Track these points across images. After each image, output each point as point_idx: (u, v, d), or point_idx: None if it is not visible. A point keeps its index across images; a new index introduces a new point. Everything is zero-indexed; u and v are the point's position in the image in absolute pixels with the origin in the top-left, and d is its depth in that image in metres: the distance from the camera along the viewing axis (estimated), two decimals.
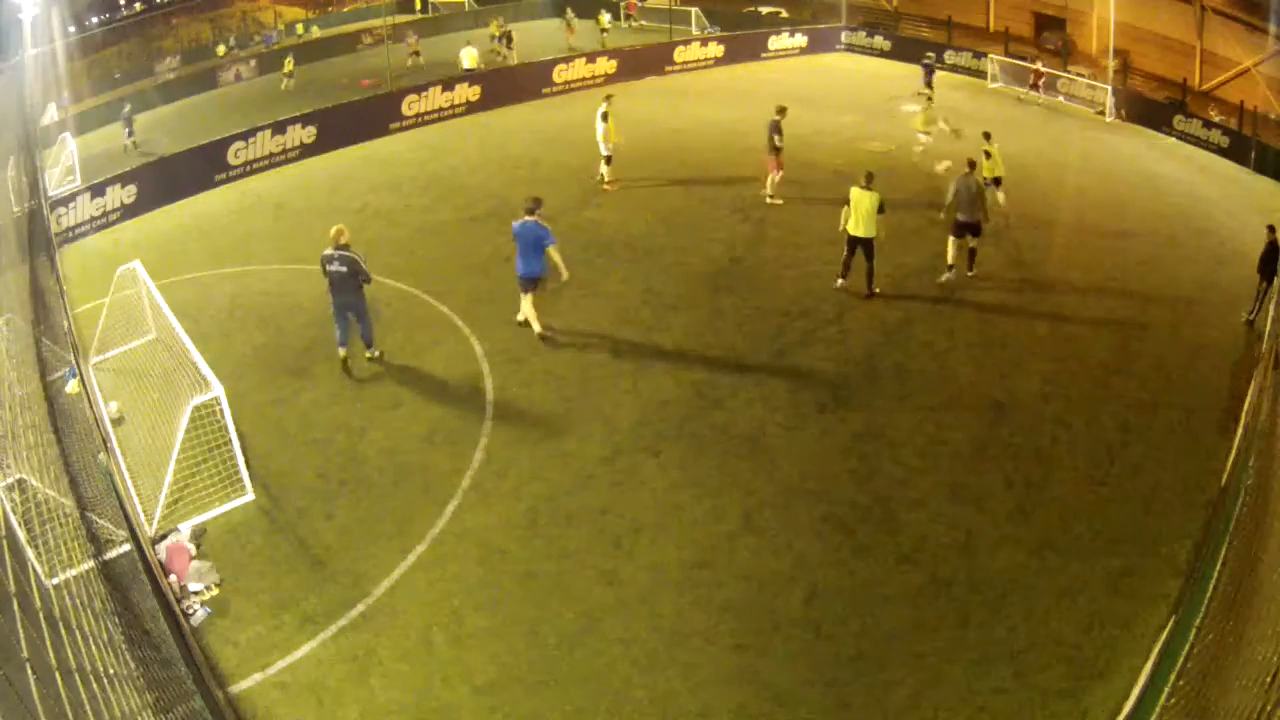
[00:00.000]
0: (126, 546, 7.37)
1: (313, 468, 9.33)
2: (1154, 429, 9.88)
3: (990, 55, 28.16)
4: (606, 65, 27.13)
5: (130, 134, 24.26)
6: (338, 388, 10.81)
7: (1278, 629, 4.43)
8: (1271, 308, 11.33)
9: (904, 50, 30.37)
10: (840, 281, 12.82)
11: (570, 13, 34.10)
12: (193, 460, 8.88)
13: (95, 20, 41.36)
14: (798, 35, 31.85)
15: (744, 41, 31.15)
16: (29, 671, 3.24)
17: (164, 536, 8.08)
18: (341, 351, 11.15)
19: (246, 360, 11.48)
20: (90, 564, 6.52)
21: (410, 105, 22.64)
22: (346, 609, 7.46)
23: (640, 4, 39.27)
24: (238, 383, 10.29)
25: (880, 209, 12.11)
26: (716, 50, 29.99)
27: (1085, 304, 12.88)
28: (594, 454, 9.48)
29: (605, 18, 34.62)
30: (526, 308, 11.79)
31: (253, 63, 34.69)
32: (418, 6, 46.46)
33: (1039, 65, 26.42)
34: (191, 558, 7.89)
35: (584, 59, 26.99)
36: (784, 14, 37.71)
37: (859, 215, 12.21)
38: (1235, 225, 16.24)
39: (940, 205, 13.68)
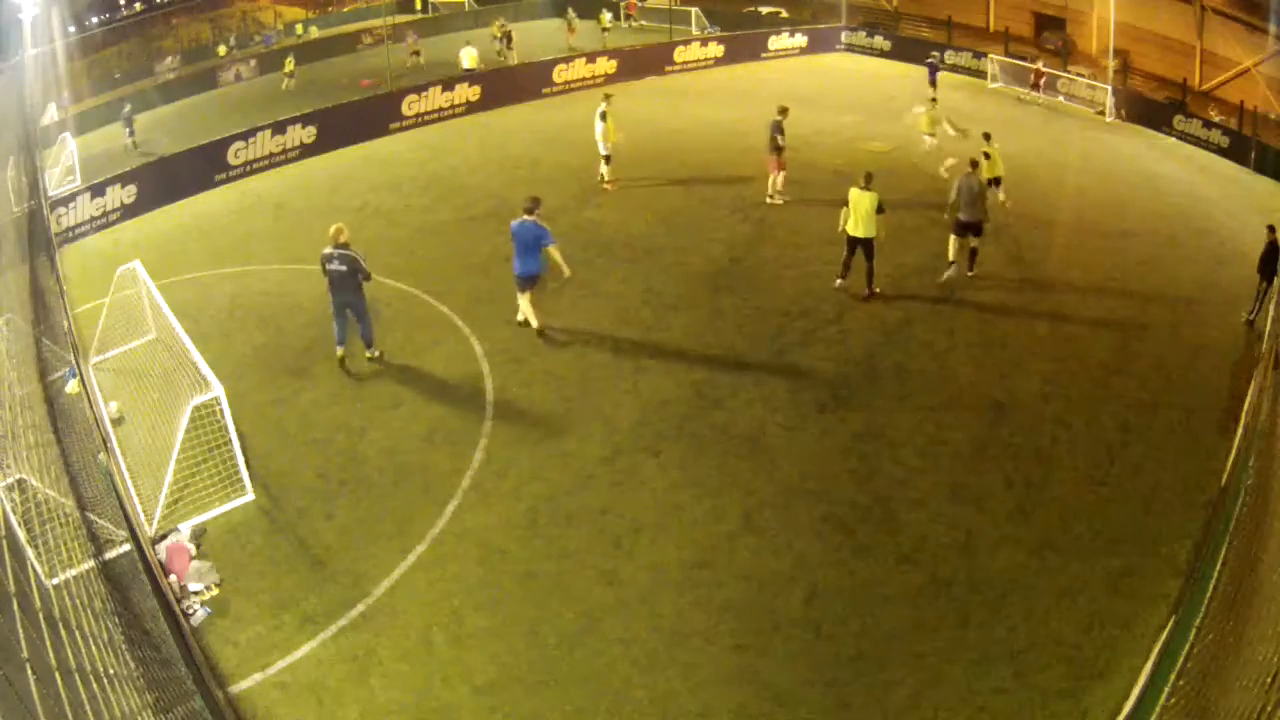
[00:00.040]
0: (126, 546, 7.37)
1: (313, 468, 9.33)
2: (1154, 429, 9.88)
3: (990, 55, 28.16)
4: (606, 65, 27.13)
5: (131, 134, 24.28)
6: (338, 388, 10.81)
7: (1278, 629, 4.43)
8: (1271, 308, 11.33)
9: (904, 50, 30.37)
10: (839, 282, 12.82)
11: (571, 12, 34.10)
12: (193, 460, 8.88)
13: (95, 20, 41.37)
14: (798, 35, 31.85)
15: (744, 41, 31.15)
16: (29, 671, 3.24)
17: (164, 536, 8.08)
18: (339, 350, 11.16)
19: (246, 360, 11.48)
20: (90, 564, 6.51)
21: (410, 105, 22.64)
22: (346, 609, 7.47)
23: (640, 4, 39.27)
24: (238, 383, 10.29)
25: (879, 209, 12.11)
26: (716, 50, 29.99)
27: (1085, 304, 12.88)
28: (594, 454, 9.48)
29: (606, 17, 34.60)
30: (525, 306, 11.80)
31: (253, 63, 34.70)
32: (418, 6, 46.48)
33: (1039, 65, 26.42)
34: (191, 558, 7.89)
35: (584, 59, 26.99)
36: (784, 14, 37.72)
37: (858, 215, 12.21)
38: (1235, 225, 16.24)
39: (942, 205, 13.70)
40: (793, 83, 26.75)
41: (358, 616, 7.40)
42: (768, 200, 16.46)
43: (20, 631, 3.46)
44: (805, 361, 11.26)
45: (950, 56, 28.76)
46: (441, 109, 23.23)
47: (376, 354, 11.28)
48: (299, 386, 10.84)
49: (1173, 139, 22.49)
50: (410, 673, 6.86)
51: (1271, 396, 8.18)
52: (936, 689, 6.64)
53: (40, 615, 3.86)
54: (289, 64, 32.03)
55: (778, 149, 16.11)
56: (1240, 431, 9.20)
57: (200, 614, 7.39)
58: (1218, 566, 6.22)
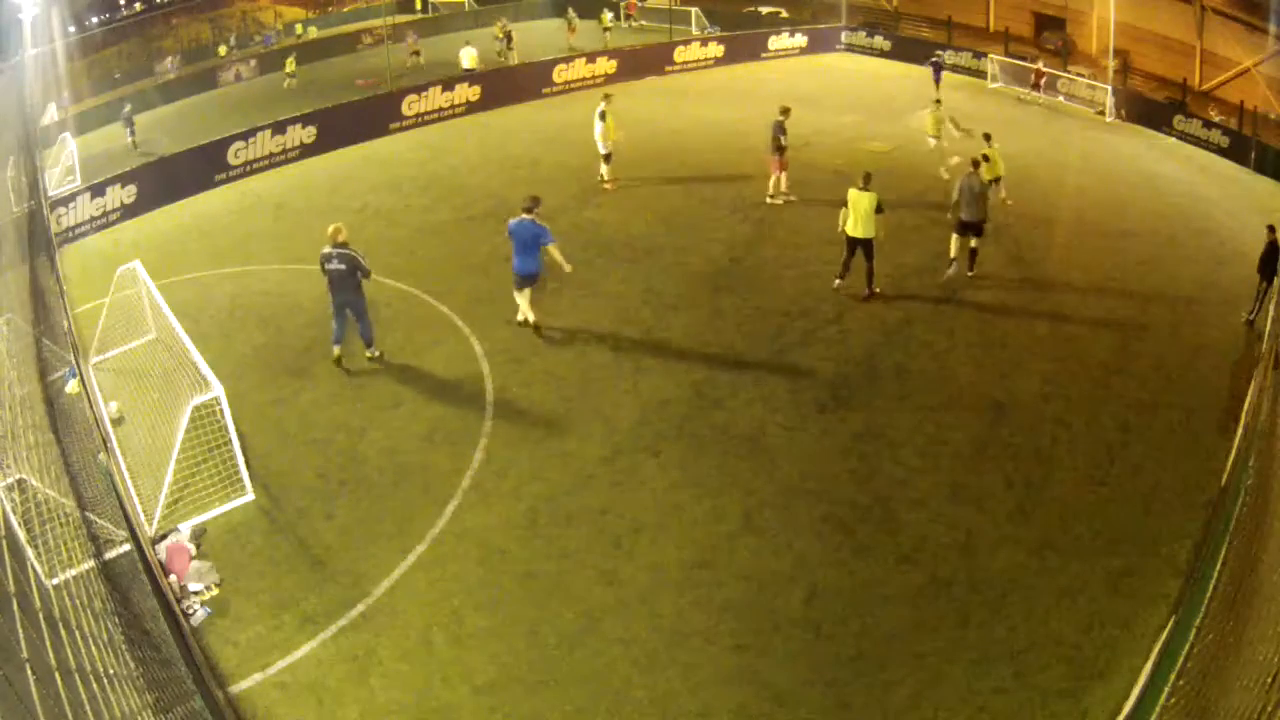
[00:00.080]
0: (126, 546, 7.37)
1: (313, 468, 9.33)
2: (1154, 429, 9.88)
3: (990, 55, 28.16)
4: (606, 65, 27.13)
5: (131, 134, 24.28)
6: (338, 388, 10.81)
7: (1278, 629, 4.43)
8: (1271, 308, 11.33)
9: (904, 50, 30.38)
10: (838, 282, 12.81)
11: (572, 12, 34.08)
12: (193, 460, 8.88)
13: (95, 20, 41.37)
14: (798, 35, 31.85)
15: (744, 41, 31.15)
16: (29, 671, 3.24)
17: (164, 536, 8.08)
18: (336, 350, 11.18)
19: (246, 360, 11.49)
20: (90, 564, 6.52)
21: (410, 105, 22.64)
22: (346, 609, 7.47)
23: (640, 4, 39.27)
24: (238, 383, 10.29)
25: (878, 209, 12.11)
26: (716, 50, 30.00)
27: (1085, 304, 12.88)
28: (594, 454, 9.48)
29: (608, 17, 34.58)
30: (523, 303, 11.82)
31: (253, 63, 34.72)
32: (418, 6, 46.49)
33: (1040, 65, 26.42)
34: (191, 558, 7.89)
35: (584, 59, 27.00)
36: (784, 14, 37.72)
37: (857, 216, 12.22)
38: (1235, 225, 16.24)
39: (942, 205, 13.71)
40: (793, 83, 26.74)
41: (358, 616, 7.40)
42: (768, 200, 16.46)
43: (20, 631, 3.46)
44: (805, 361, 11.26)
45: (950, 56, 28.76)
46: (441, 109, 23.23)
47: (376, 354, 11.29)
48: (299, 386, 10.84)
49: (1173, 139, 22.49)
50: (410, 673, 6.86)
51: (1271, 396, 8.18)
52: (936, 689, 6.64)
53: (40, 615, 3.85)
54: (290, 64, 32.05)
55: (780, 149, 16.10)
56: (1240, 431, 9.20)
57: (200, 614, 7.39)
58: (1218, 566, 6.22)
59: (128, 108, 25.18)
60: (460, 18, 41.89)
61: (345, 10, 48.55)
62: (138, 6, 44.79)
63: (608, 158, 17.47)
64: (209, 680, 6.13)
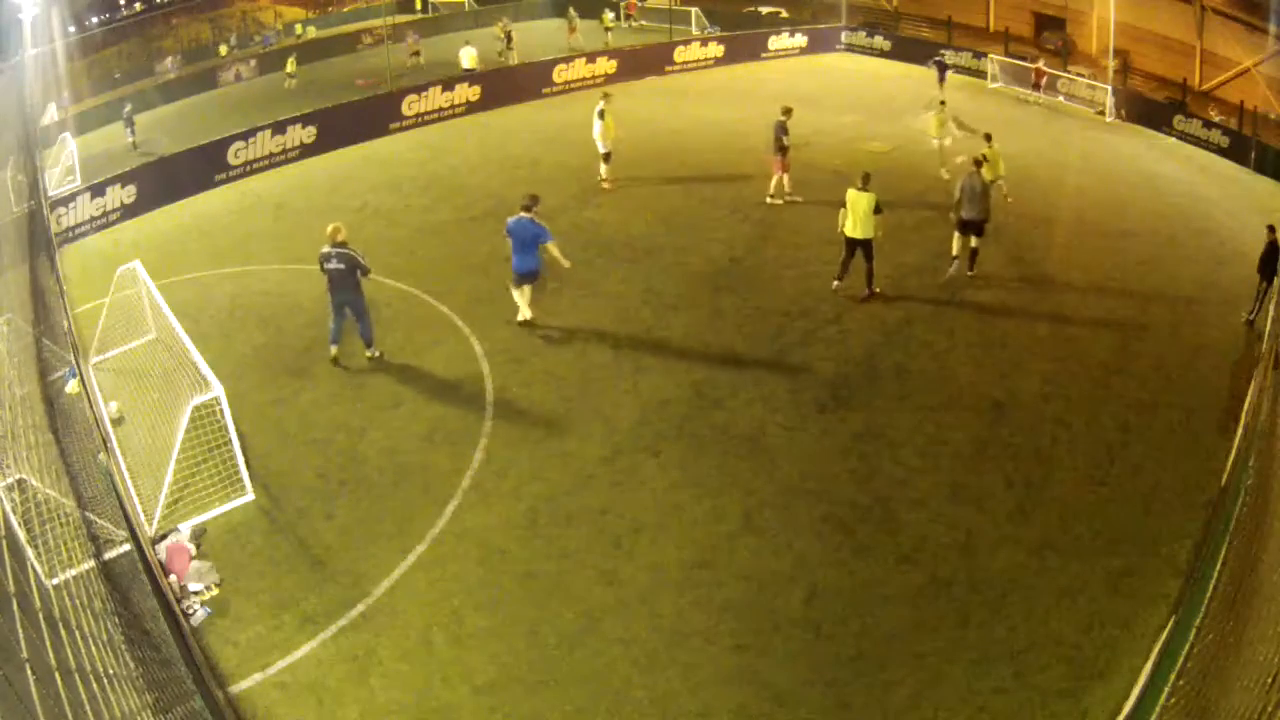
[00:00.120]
0: (126, 546, 7.37)
1: (313, 468, 9.33)
2: (1154, 429, 9.88)
3: (990, 55, 28.16)
4: (606, 65, 27.13)
5: (132, 134, 24.28)
6: (338, 388, 10.81)
7: (1278, 629, 4.43)
8: (1271, 308, 11.33)
9: (904, 50, 30.38)
10: (836, 284, 12.78)
11: (572, 12, 34.06)
12: (193, 460, 8.88)
13: (95, 20, 41.37)
14: (798, 35, 31.84)
15: (744, 41, 31.15)
16: (29, 671, 3.24)
17: (164, 536, 8.08)
18: (333, 350, 11.21)
19: (246, 360, 11.49)
20: (90, 564, 6.52)
21: (410, 105, 22.64)
22: (346, 609, 7.46)
23: (640, 4, 39.27)
24: (238, 383, 10.29)
25: (877, 210, 12.11)
26: (716, 50, 29.99)
27: (1085, 304, 12.88)
28: (594, 454, 9.48)
29: (609, 17, 34.57)
30: (521, 302, 11.84)
31: (253, 63, 34.71)
32: (418, 6, 46.48)
33: (1040, 65, 26.42)
34: (191, 558, 7.89)
35: (584, 59, 26.99)
36: (784, 14, 37.70)
37: (856, 217, 12.21)
38: (1235, 225, 16.24)
39: (942, 205, 13.71)
40: (793, 83, 26.74)
41: (358, 616, 7.40)
42: (768, 200, 16.46)
43: (20, 631, 3.46)
44: (805, 361, 11.26)
45: (950, 56, 28.73)
46: (441, 109, 23.22)
47: (376, 353, 11.29)
48: (299, 386, 10.84)
49: (1173, 139, 22.48)
50: (410, 673, 6.86)
51: (1271, 396, 8.18)
52: (936, 689, 6.64)
53: (40, 615, 3.85)
54: (291, 63, 32.06)
55: (782, 149, 16.08)
56: (1240, 431, 9.20)
57: (200, 614, 7.39)
58: (1218, 566, 6.22)
59: (128, 107, 25.18)
60: (460, 18, 41.87)
61: (345, 10, 48.55)
62: (138, 6, 44.79)
63: (607, 157, 17.48)
64: (209, 680, 6.13)
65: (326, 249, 10.65)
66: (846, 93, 25.91)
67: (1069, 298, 13.03)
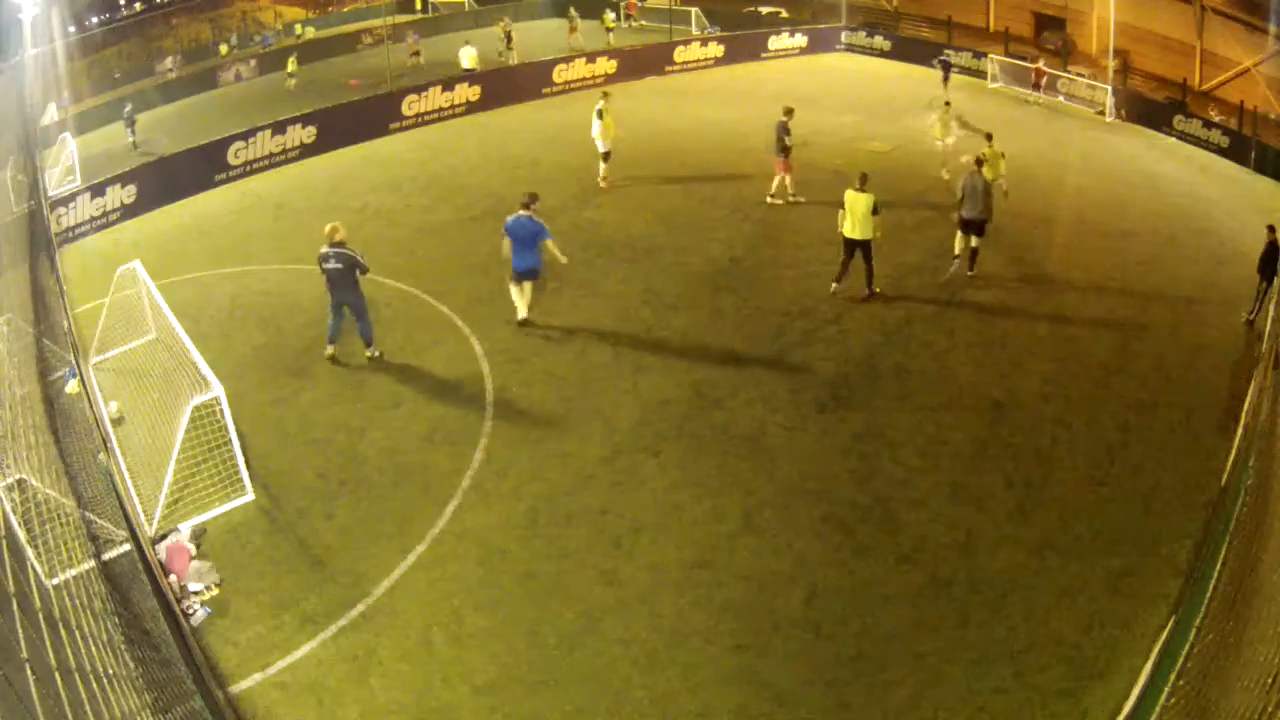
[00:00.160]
0: (126, 546, 7.37)
1: (313, 468, 9.33)
2: (1154, 429, 9.88)
3: (990, 55, 28.16)
4: (606, 65, 27.13)
5: (132, 134, 24.29)
6: (338, 388, 10.81)
7: (1278, 629, 4.43)
8: (1271, 308, 11.33)
9: (904, 50, 30.39)
10: (835, 286, 12.76)
11: (573, 12, 34.04)
12: (193, 460, 8.88)
13: (95, 20, 41.38)
14: (798, 35, 31.85)
15: (744, 41, 31.15)
16: (29, 671, 3.24)
17: (164, 536, 8.08)
18: (329, 349, 11.24)
19: (246, 360, 11.49)
20: (90, 564, 6.52)
21: (410, 105, 22.64)
22: (346, 609, 7.46)
23: (640, 4, 39.27)
24: (238, 383, 10.29)
25: (875, 210, 12.10)
26: (716, 50, 29.99)
27: (1085, 304, 12.88)
28: (594, 454, 9.48)
29: (610, 17, 34.56)
30: (519, 301, 11.85)
31: (253, 63, 34.72)
32: (418, 6, 46.49)
33: (1040, 65, 26.42)
34: (191, 558, 7.89)
35: (584, 59, 27.00)
36: (784, 14, 37.71)
37: (854, 217, 12.22)
38: (1235, 225, 16.24)
39: (942, 205, 13.71)
40: (793, 83, 26.75)
41: (358, 616, 7.40)
42: (768, 200, 16.45)
43: (20, 631, 3.46)
44: (805, 361, 11.26)
45: (950, 56, 28.75)
46: (441, 109, 23.22)
47: (376, 353, 11.30)
48: (299, 386, 10.84)
49: (1173, 139, 22.49)
50: (410, 673, 6.86)
51: (1271, 396, 8.18)
52: (936, 689, 6.64)
53: (40, 615, 3.85)
54: (292, 63, 32.07)
55: (784, 150, 16.07)
56: (1240, 431, 9.20)
57: (200, 614, 7.39)
58: (1218, 566, 6.22)
59: (129, 107, 25.18)
60: (460, 18, 41.88)
61: (345, 10, 48.56)
62: (138, 6, 44.81)
63: (606, 156, 17.49)
64: (209, 680, 6.13)
65: (325, 249, 10.67)
66: (846, 93, 25.92)
67: (1069, 298, 13.03)
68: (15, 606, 3.63)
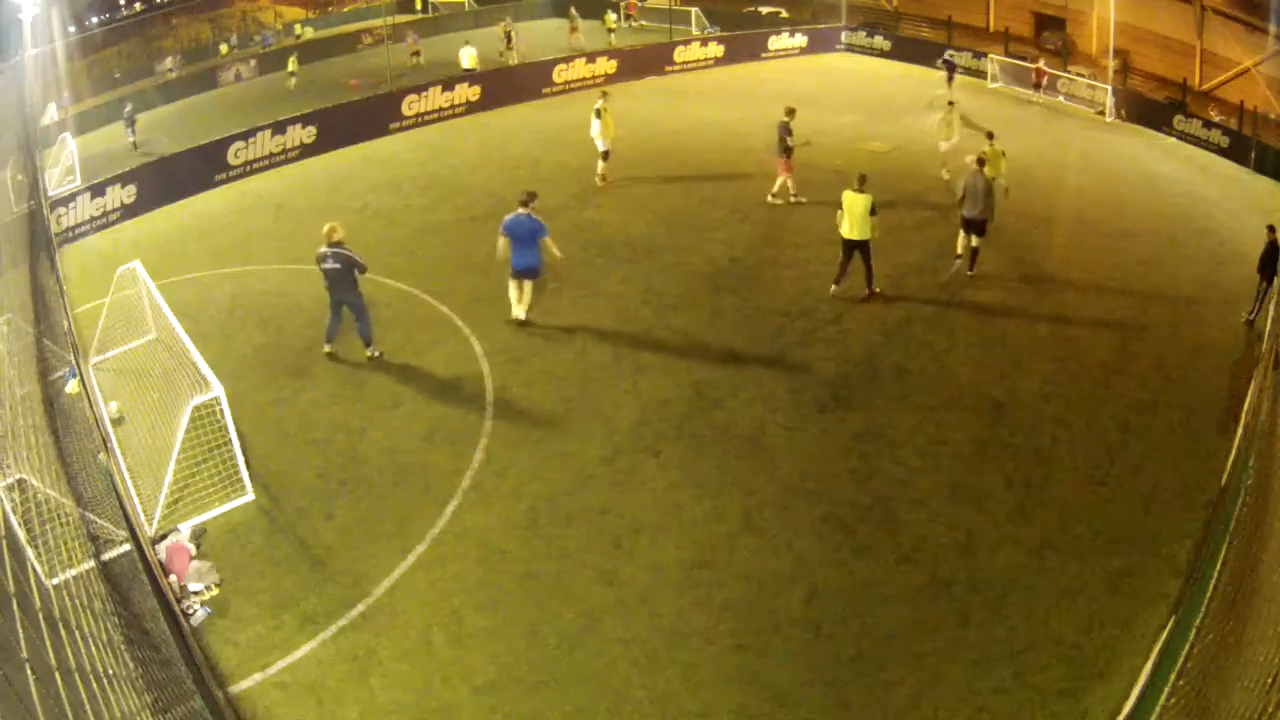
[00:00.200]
0: (126, 546, 7.37)
1: (313, 468, 9.33)
2: (1154, 429, 9.88)
3: (990, 55, 28.16)
4: (606, 65, 27.13)
5: (133, 134, 24.29)
6: (338, 388, 10.81)
7: (1278, 629, 4.43)
8: (1271, 308, 11.33)
9: (904, 50, 30.39)
10: (835, 288, 12.76)
11: (574, 12, 34.04)
12: (193, 460, 8.88)
13: (95, 20, 41.39)
14: (798, 35, 31.85)
15: (744, 41, 31.15)
16: (29, 671, 3.24)
17: (164, 536, 8.08)
18: (327, 347, 11.31)
19: (246, 360, 11.49)
20: (90, 564, 6.52)
21: (410, 105, 22.64)
22: (346, 609, 7.46)
23: (640, 4, 39.27)
24: (238, 383, 10.29)
25: (873, 211, 12.10)
26: (716, 50, 29.99)
27: (1085, 304, 12.88)
28: (594, 454, 9.48)
29: (612, 18, 34.57)
30: (514, 297, 11.85)
31: (253, 63, 34.73)
32: (418, 6, 46.50)
33: (1040, 65, 26.42)
34: (191, 558, 7.89)
35: (584, 59, 27.00)
36: (784, 14, 37.72)
37: (852, 218, 12.22)
38: (1235, 225, 16.24)
39: (942, 205, 13.71)
40: (793, 83, 26.74)
41: (358, 616, 7.40)
42: (770, 199, 16.45)
43: (20, 631, 3.46)
44: (805, 361, 11.26)
45: (954, 57, 28.74)
46: (441, 109, 23.22)
47: (376, 353, 11.30)
48: (299, 386, 10.84)
49: (1173, 139, 22.48)
50: (410, 673, 6.86)
51: (1271, 396, 8.18)
52: (936, 689, 6.64)
53: (40, 615, 3.85)
54: (292, 62, 32.08)
55: (787, 150, 16.05)
56: (1240, 431, 9.20)
57: (200, 614, 7.39)
58: (1218, 566, 6.22)
59: (129, 107, 25.18)
60: (460, 18, 41.89)
61: (345, 10, 48.57)
62: (138, 6, 44.82)
63: (606, 155, 17.51)
64: (209, 680, 6.13)
65: (323, 249, 10.73)
66: (846, 93, 25.91)
67: (1069, 298, 13.03)
68: (15, 606, 3.63)
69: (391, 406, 10.40)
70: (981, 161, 13.40)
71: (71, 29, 37.46)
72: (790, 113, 16.11)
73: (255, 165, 19.35)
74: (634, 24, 38.39)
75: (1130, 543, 8.11)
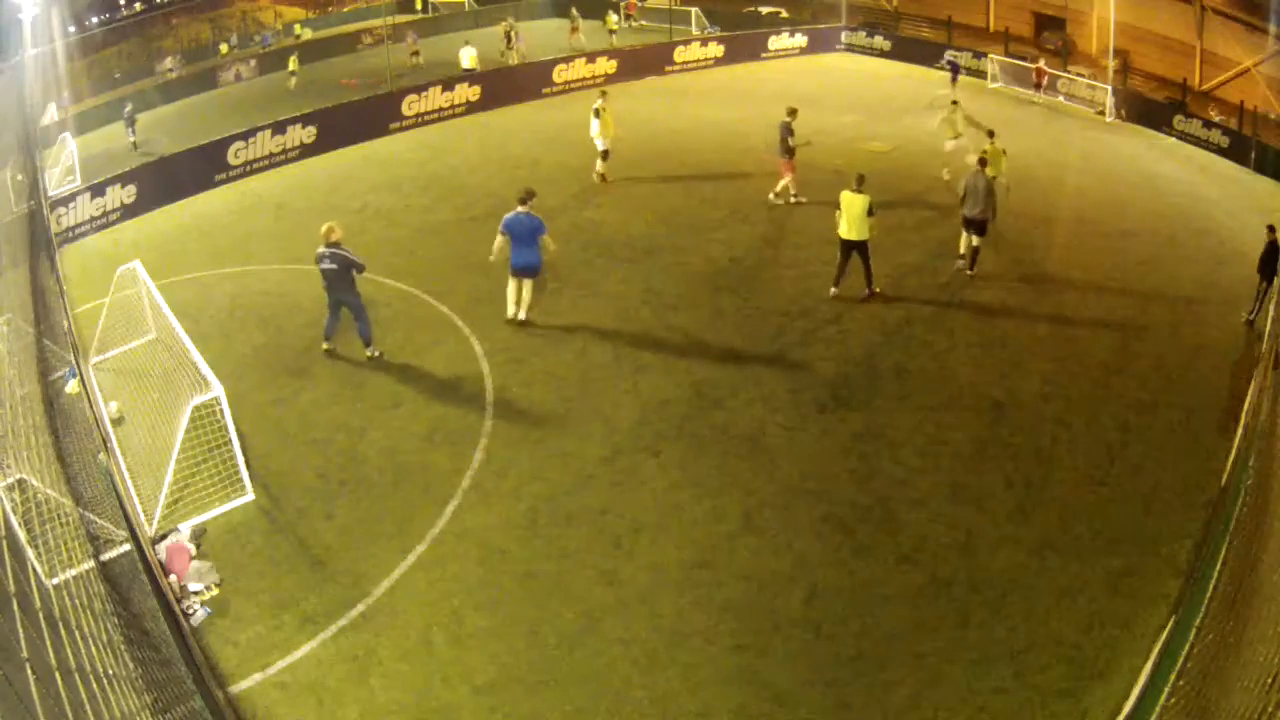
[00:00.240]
0: (126, 546, 7.37)
1: (313, 468, 9.33)
2: (1154, 429, 9.88)
3: (990, 55, 28.16)
4: (606, 65, 27.13)
5: (133, 134, 24.29)
6: (338, 388, 10.81)
7: (1278, 629, 4.43)
8: (1271, 308, 11.33)
9: (904, 50, 30.40)
10: (834, 290, 12.75)
11: (575, 12, 34.04)
12: (193, 460, 8.88)
13: (95, 20, 41.39)
14: (798, 35, 31.85)
15: (744, 41, 31.16)
16: (29, 671, 3.24)
17: (164, 536, 8.08)
18: (325, 345, 11.35)
19: (246, 360, 11.49)
20: (90, 564, 6.51)
21: (410, 105, 22.64)
22: (346, 609, 7.46)
23: (640, 4, 39.27)
24: (238, 383, 10.29)
25: (870, 211, 12.10)
26: (716, 50, 29.99)
27: (1085, 304, 12.88)
28: (594, 454, 9.48)
29: (613, 19, 34.57)
30: (512, 295, 11.86)
31: (253, 63, 34.73)
32: (418, 6, 46.50)
33: (1040, 65, 26.42)
34: (191, 558, 7.89)
35: (584, 59, 27.00)
36: (784, 14, 37.73)
37: (850, 218, 12.22)
38: (1235, 225, 16.24)
39: (941, 206, 13.71)
40: (793, 83, 26.75)
41: (358, 616, 7.40)
42: (771, 197, 16.44)
43: (20, 631, 3.46)
44: (805, 361, 11.26)
45: (958, 59, 28.74)
46: (441, 109, 23.23)
47: (376, 353, 11.31)
48: (299, 386, 10.84)
49: (1173, 139, 22.49)
50: (410, 673, 6.86)
51: (1271, 396, 8.18)
52: (936, 689, 6.64)
53: (40, 615, 3.85)
54: (293, 62, 32.09)
55: (789, 150, 16.04)
56: (1240, 431, 9.20)
57: (200, 614, 7.39)
58: (1218, 566, 6.21)
59: (129, 107, 25.18)
60: (460, 18, 41.90)
61: (345, 10, 48.58)
62: (138, 6, 44.82)
63: (605, 154, 17.53)
64: (209, 680, 6.13)
65: (321, 249, 10.77)
66: (846, 93, 25.91)
67: (1069, 298, 13.03)
68: (15, 606, 3.63)
69: (391, 406, 10.40)
70: (983, 161, 13.41)
71: (71, 29, 37.47)
72: (792, 113, 16.10)
73: (255, 165, 19.35)
74: (634, 24, 38.39)
75: (1130, 543, 8.11)
